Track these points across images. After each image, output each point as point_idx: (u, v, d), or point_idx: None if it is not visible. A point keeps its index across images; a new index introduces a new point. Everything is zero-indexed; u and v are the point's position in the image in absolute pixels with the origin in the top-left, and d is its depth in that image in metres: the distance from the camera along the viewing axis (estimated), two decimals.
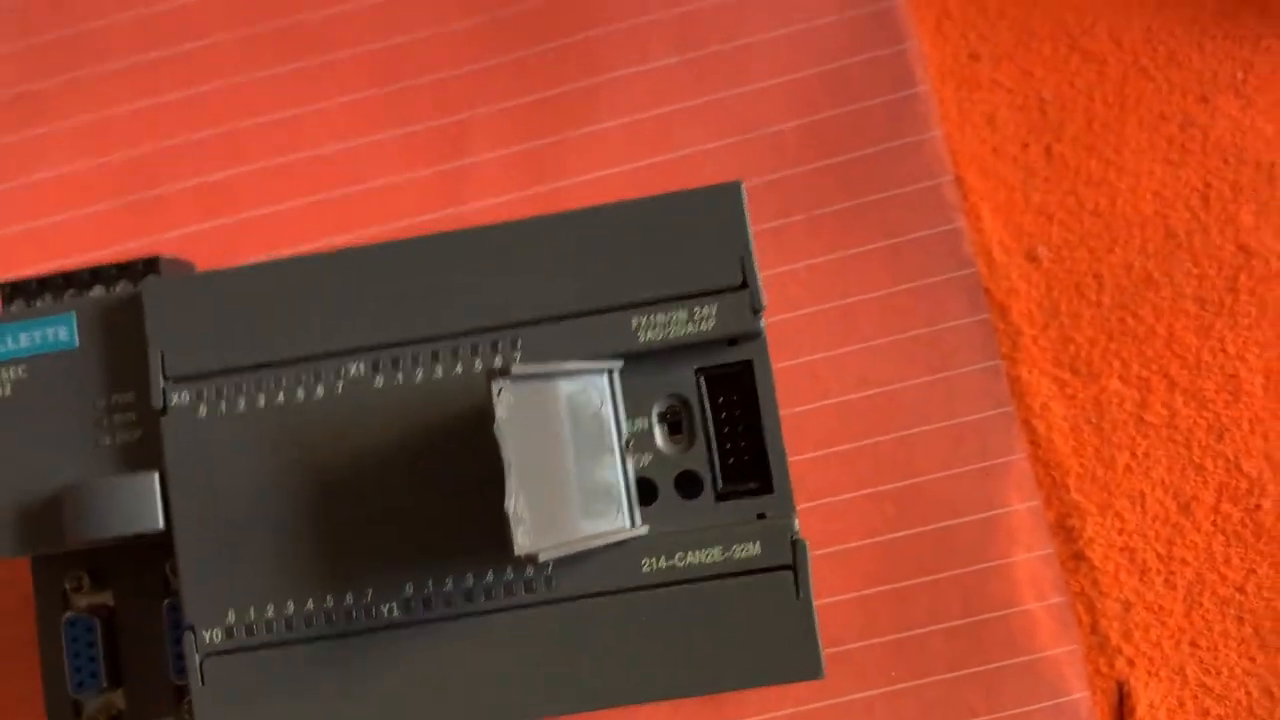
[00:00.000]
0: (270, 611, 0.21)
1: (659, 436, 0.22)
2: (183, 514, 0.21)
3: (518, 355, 0.21)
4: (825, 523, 0.27)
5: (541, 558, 0.18)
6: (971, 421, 0.27)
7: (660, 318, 0.21)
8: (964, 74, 0.29)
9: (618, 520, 0.21)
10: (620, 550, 0.21)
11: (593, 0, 0.29)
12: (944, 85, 0.29)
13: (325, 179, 0.29)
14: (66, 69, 0.30)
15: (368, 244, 0.22)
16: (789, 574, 0.21)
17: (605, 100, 0.29)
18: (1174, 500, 0.27)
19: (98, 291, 0.23)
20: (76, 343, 0.22)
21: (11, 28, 0.30)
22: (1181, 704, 0.26)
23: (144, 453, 0.22)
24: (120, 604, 0.23)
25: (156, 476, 0.22)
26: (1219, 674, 0.26)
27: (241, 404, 0.21)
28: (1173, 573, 0.26)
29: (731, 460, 0.22)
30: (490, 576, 0.21)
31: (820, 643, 0.21)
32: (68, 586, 0.23)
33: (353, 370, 0.21)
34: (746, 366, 0.21)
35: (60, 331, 0.22)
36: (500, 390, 0.19)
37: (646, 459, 0.22)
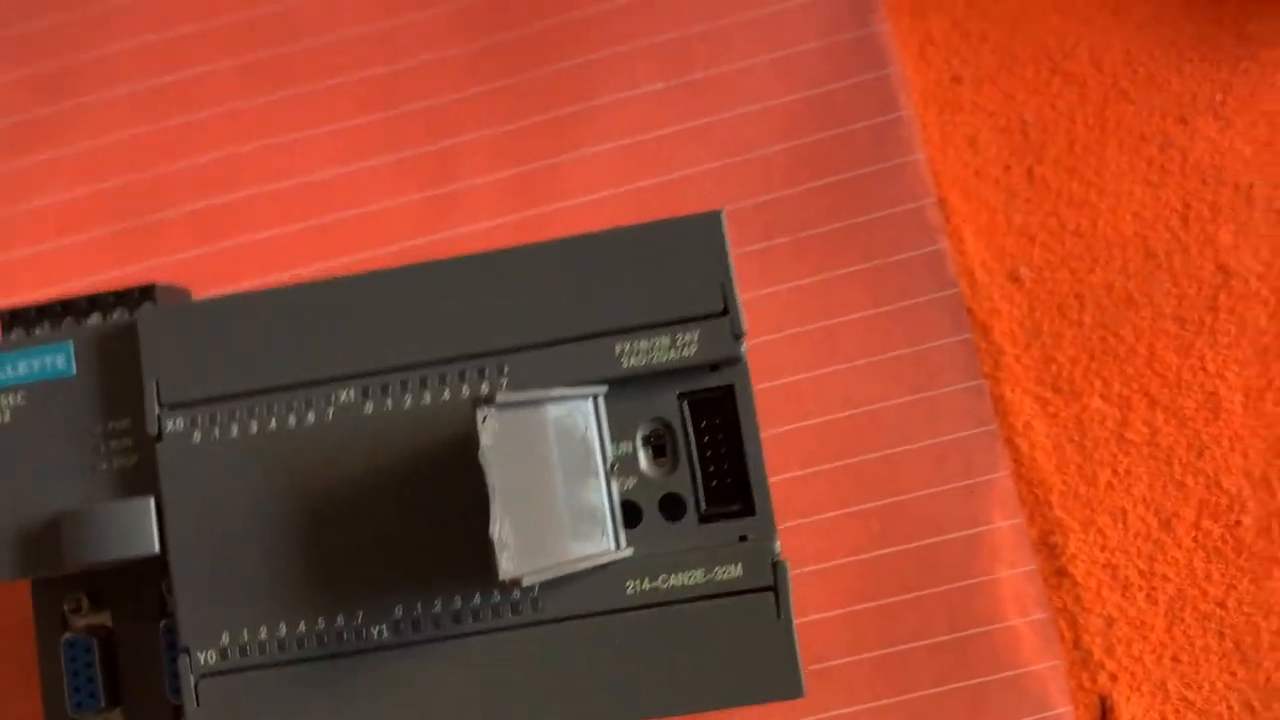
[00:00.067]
0: (263, 633, 0.22)
1: (643, 460, 0.22)
2: (177, 538, 0.22)
3: (504, 381, 0.22)
4: (811, 541, 0.27)
5: (525, 582, 0.19)
6: (955, 440, 0.27)
7: (643, 344, 0.22)
8: (946, 97, 0.29)
9: (603, 542, 0.22)
10: (605, 572, 0.21)
11: (582, 27, 0.30)
12: (927, 109, 0.29)
13: (320, 204, 0.30)
14: (66, 97, 0.31)
15: (357, 273, 0.22)
16: (770, 595, 0.21)
17: (595, 125, 0.29)
18: (1155, 517, 0.27)
19: (95, 319, 0.24)
20: (74, 370, 0.23)
21: (11, 56, 0.31)
22: (1164, 718, 0.26)
23: (140, 478, 0.22)
24: (118, 625, 0.24)
25: (152, 501, 0.22)
26: (1200, 688, 0.26)
27: (235, 430, 0.22)
28: (1154, 588, 0.27)
29: (714, 483, 0.22)
30: (477, 599, 0.21)
31: (801, 662, 0.21)
32: (66, 608, 0.24)
33: (343, 397, 0.22)
34: (728, 391, 0.22)
35: (58, 360, 0.23)
36: (485, 418, 0.19)
37: (631, 482, 0.22)
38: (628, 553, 0.21)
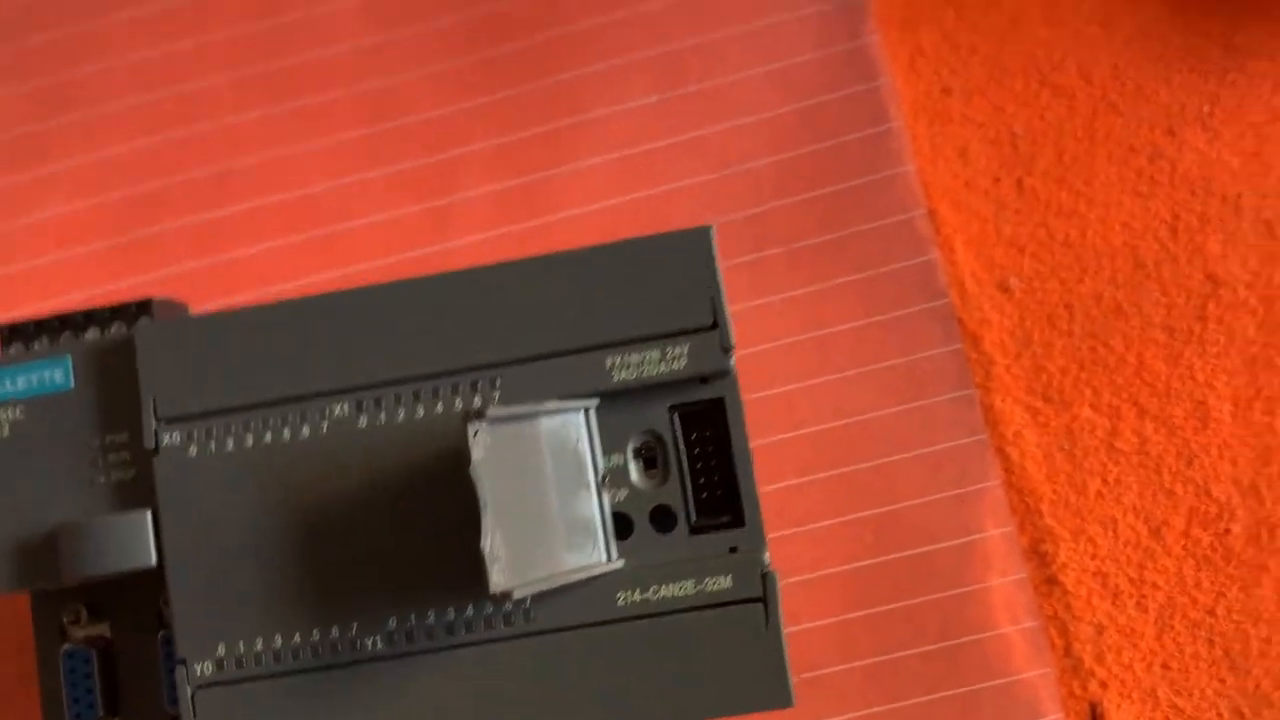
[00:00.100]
0: (259, 645, 0.22)
1: (634, 472, 0.22)
2: (174, 550, 0.22)
3: (497, 395, 0.22)
4: (804, 549, 0.27)
5: (516, 595, 0.19)
6: (946, 449, 0.28)
7: (634, 357, 0.22)
8: (936, 109, 0.30)
9: (594, 554, 0.22)
10: (596, 584, 0.22)
11: (576, 41, 0.30)
12: (917, 121, 0.29)
13: (316, 216, 0.30)
14: (64, 111, 0.31)
15: (351, 288, 0.22)
16: (759, 606, 0.21)
17: (588, 138, 0.30)
18: (1145, 525, 0.27)
19: (93, 334, 0.24)
20: (72, 384, 0.23)
21: (10, 71, 0.31)
22: None
23: (137, 491, 0.23)
24: (117, 635, 0.24)
25: (149, 514, 0.22)
26: (1190, 695, 0.27)
27: (230, 444, 0.22)
28: (1144, 596, 0.27)
29: (705, 494, 0.22)
30: (470, 610, 0.22)
31: (790, 672, 0.21)
32: (66, 619, 0.24)
33: (337, 410, 0.22)
34: (718, 403, 0.22)
35: (56, 374, 0.23)
36: (476, 432, 0.19)
37: (622, 494, 0.22)
38: (619, 564, 0.22)
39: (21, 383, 0.23)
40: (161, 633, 0.23)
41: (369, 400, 0.22)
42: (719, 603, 0.21)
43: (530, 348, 0.22)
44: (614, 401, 0.22)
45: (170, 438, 0.22)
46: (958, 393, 0.28)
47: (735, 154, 0.29)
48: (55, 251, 0.30)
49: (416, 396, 0.22)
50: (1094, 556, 0.27)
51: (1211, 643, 0.27)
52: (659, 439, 0.22)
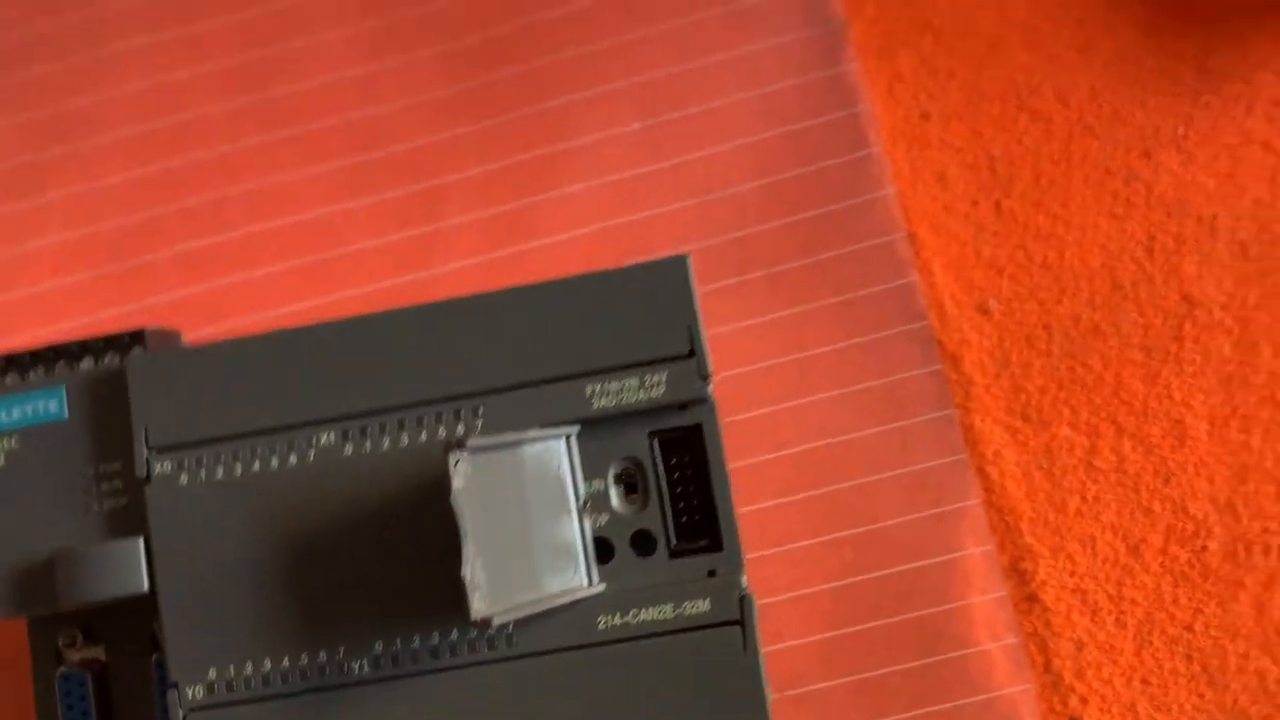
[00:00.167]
0: (249, 669, 0.22)
1: (615, 497, 0.23)
2: (166, 577, 0.23)
3: (479, 423, 0.22)
4: (787, 569, 0.28)
5: (497, 621, 0.20)
6: (927, 469, 0.28)
7: (613, 385, 0.22)
8: (915, 134, 0.30)
9: (575, 578, 0.22)
10: (578, 608, 0.22)
11: (560, 70, 0.31)
12: (896, 145, 0.30)
13: (306, 244, 0.30)
14: (60, 142, 0.32)
15: (336, 319, 0.23)
16: (737, 629, 0.22)
17: (573, 165, 0.30)
18: (1123, 543, 0.28)
19: (87, 364, 0.25)
20: (66, 415, 0.24)
21: (6, 103, 0.32)
22: None
23: (130, 518, 0.23)
24: (112, 659, 0.24)
25: (141, 542, 0.23)
26: (1169, 710, 0.27)
27: (220, 472, 0.23)
28: (1123, 613, 0.27)
29: (684, 519, 0.23)
30: (454, 635, 0.22)
31: (766, 694, 0.22)
32: (61, 643, 0.24)
33: (323, 439, 0.23)
34: (696, 430, 0.23)
35: (51, 404, 0.24)
36: (457, 461, 0.20)
37: (603, 519, 0.23)
38: (600, 588, 0.22)
39: (17, 413, 0.24)
40: (155, 656, 0.24)
41: (354, 429, 0.23)
42: (697, 626, 0.22)
43: (512, 376, 0.22)
44: (594, 428, 0.23)
45: (162, 466, 0.23)
46: (937, 413, 0.28)
47: (718, 179, 0.30)
48: (52, 279, 0.31)
49: (401, 425, 0.23)
50: (1073, 574, 0.28)
51: (1190, 658, 0.27)
52: (639, 465, 0.23)
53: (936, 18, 0.31)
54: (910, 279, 0.29)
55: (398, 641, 0.22)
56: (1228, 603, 0.27)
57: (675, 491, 0.23)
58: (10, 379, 0.24)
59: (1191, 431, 0.28)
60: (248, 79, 0.32)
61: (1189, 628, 0.27)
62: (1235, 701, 0.27)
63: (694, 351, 0.22)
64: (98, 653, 0.24)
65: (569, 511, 0.22)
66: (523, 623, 0.22)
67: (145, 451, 0.23)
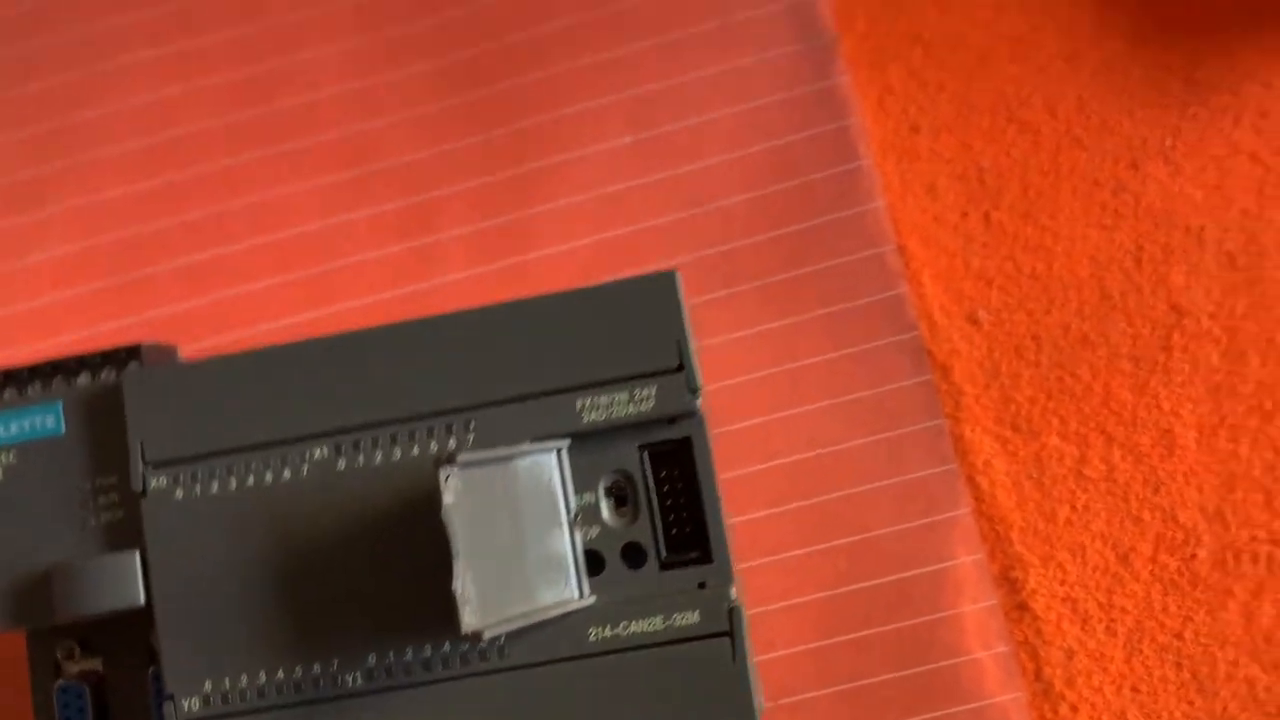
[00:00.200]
0: (244, 681, 0.23)
1: (605, 510, 0.23)
2: (162, 590, 0.23)
3: (471, 437, 0.23)
4: (779, 578, 0.28)
5: (487, 635, 0.20)
6: (917, 479, 0.28)
7: (603, 399, 0.23)
8: (905, 147, 0.30)
9: (567, 591, 0.22)
10: (569, 620, 0.22)
11: (551, 85, 0.31)
12: (886, 158, 0.30)
13: (303, 257, 0.31)
14: (59, 157, 0.32)
15: (330, 335, 0.23)
16: (726, 640, 0.22)
17: (565, 179, 0.30)
18: (1113, 551, 0.28)
19: (84, 379, 0.25)
20: (63, 430, 0.24)
21: (6, 119, 0.32)
22: None
23: (126, 532, 0.24)
24: (109, 670, 0.25)
25: (137, 555, 0.23)
26: (1159, 717, 0.27)
27: (215, 486, 0.23)
28: (1113, 621, 0.28)
29: (674, 531, 0.23)
30: (447, 647, 0.22)
31: (755, 704, 0.22)
32: (60, 655, 0.25)
33: (317, 454, 0.23)
34: (686, 443, 0.23)
35: (48, 419, 0.24)
36: (447, 477, 0.20)
37: (594, 531, 0.23)
38: (590, 600, 0.22)
39: (15, 429, 0.24)
40: (152, 668, 0.24)
41: (347, 444, 0.23)
42: (687, 637, 0.22)
43: (503, 391, 0.23)
44: (585, 442, 0.23)
45: (157, 481, 0.23)
46: (928, 423, 0.28)
47: (708, 192, 0.30)
48: (52, 292, 0.31)
49: (393, 440, 0.23)
50: (1063, 582, 0.28)
51: (1180, 666, 0.27)
52: (629, 478, 0.23)
53: (926, 31, 0.31)
54: (900, 290, 0.29)
55: (391, 654, 0.22)
56: (1217, 611, 0.27)
57: (665, 504, 0.23)
58: (8, 394, 0.25)
59: (1180, 441, 0.28)
60: (246, 94, 0.32)
61: (1179, 635, 0.27)
62: (1225, 709, 0.27)
63: (683, 365, 0.23)
64: (95, 665, 0.25)
65: (560, 524, 0.23)
66: (515, 634, 0.22)
67: (141, 466, 0.23)
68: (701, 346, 0.28)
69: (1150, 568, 0.28)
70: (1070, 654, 0.28)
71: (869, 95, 0.31)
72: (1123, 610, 0.28)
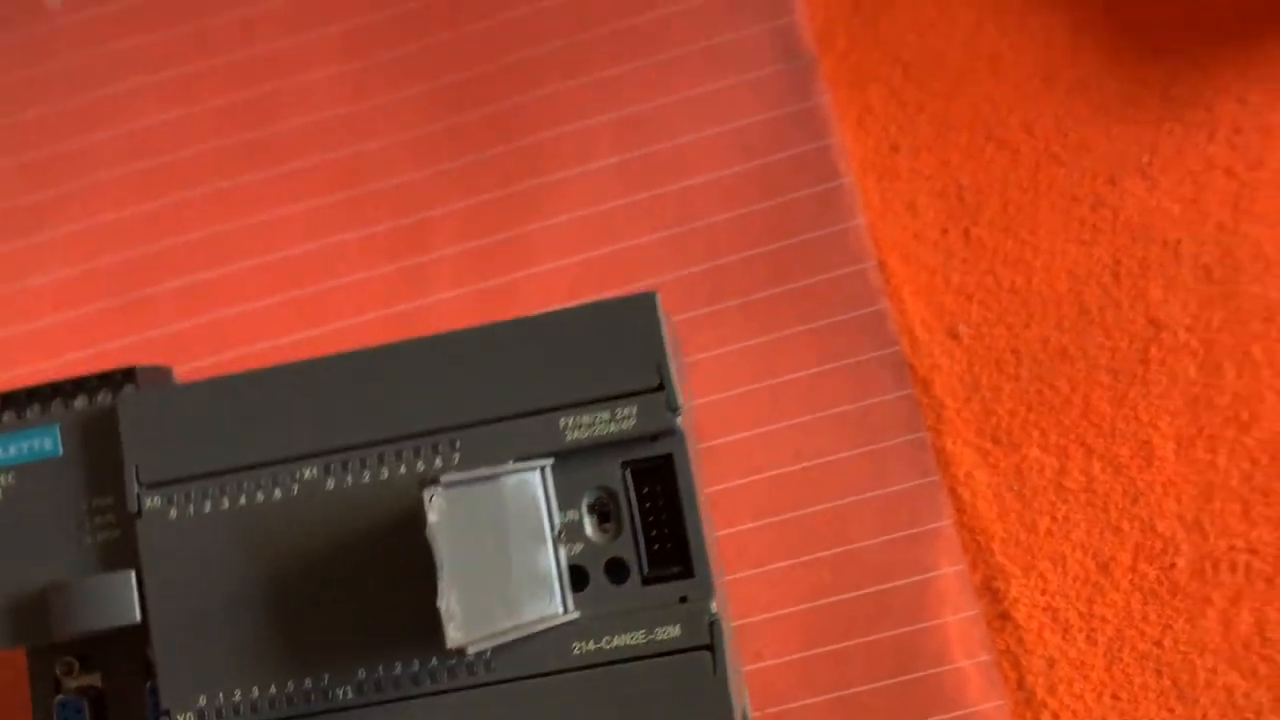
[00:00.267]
0: (238, 695, 0.23)
1: (589, 526, 0.24)
2: (157, 607, 0.24)
3: (457, 456, 0.23)
4: (765, 589, 0.29)
5: (472, 650, 0.20)
6: (900, 491, 0.29)
7: (586, 418, 0.23)
8: (885, 165, 0.31)
9: (551, 606, 0.23)
10: (553, 634, 0.23)
11: (539, 107, 0.32)
12: (866, 176, 0.31)
13: (297, 278, 0.31)
14: (57, 182, 0.33)
15: (318, 357, 0.24)
16: (707, 653, 0.23)
17: (553, 198, 0.31)
18: (1093, 561, 0.28)
19: (81, 401, 0.25)
20: (61, 451, 0.25)
21: (3, 145, 0.33)
22: None
23: (122, 551, 0.24)
24: (108, 685, 0.25)
25: (133, 574, 0.24)
26: None
27: (208, 506, 0.24)
28: (1094, 630, 0.28)
29: (656, 546, 0.23)
30: (434, 662, 0.23)
31: (739, 715, 0.22)
32: (59, 671, 0.25)
33: (307, 474, 0.24)
34: (667, 460, 0.23)
35: (46, 442, 0.25)
36: (432, 497, 0.21)
37: (578, 547, 0.24)
38: (574, 615, 0.23)
39: (13, 450, 0.25)
40: (150, 682, 0.25)
41: (336, 464, 0.23)
42: (669, 650, 0.23)
43: (488, 411, 0.23)
44: (568, 459, 0.23)
45: (152, 501, 0.24)
46: (909, 436, 0.29)
47: (692, 211, 0.30)
48: (52, 315, 0.32)
49: (381, 459, 0.23)
50: (1044, 592, 0.28)
51: (1160, 673, 0.28)
52: (612, 494, 0.24)
53: (905, 52, 0.31)
54: (881, 306, 0.30)
55: (380, 668, 0.23)
56: (1196, 619, 0.28)
57: (647, 520, 0.23)
58: (7, 417, 0.25)
59: (1159, 452, 0.29)
60: (239, 119, 0.33)
61: (1158, 644, 0.28)
62: (1204, 715, 0.27)
63: (663, 385, 0.23)
64: (94, 680, 0.25)
65: (544, 541, 0.23)
66: (501, 649, 0.23)
67: (136, 487, 0.24)
68: (685, 362, 0.29)
69: (1130, 577, 0.28)
70: (1052, 662, 0.28)
71: (849, 115, 0.31)
72: (1103, 619, 0.28)
